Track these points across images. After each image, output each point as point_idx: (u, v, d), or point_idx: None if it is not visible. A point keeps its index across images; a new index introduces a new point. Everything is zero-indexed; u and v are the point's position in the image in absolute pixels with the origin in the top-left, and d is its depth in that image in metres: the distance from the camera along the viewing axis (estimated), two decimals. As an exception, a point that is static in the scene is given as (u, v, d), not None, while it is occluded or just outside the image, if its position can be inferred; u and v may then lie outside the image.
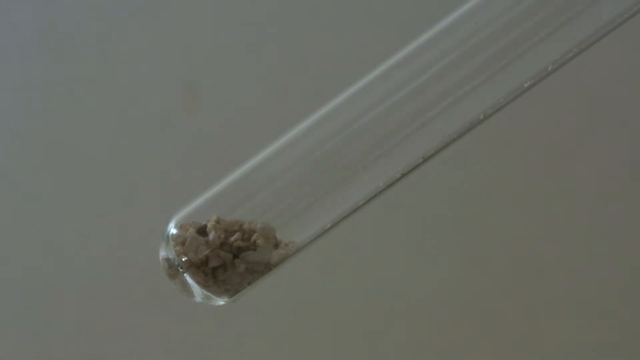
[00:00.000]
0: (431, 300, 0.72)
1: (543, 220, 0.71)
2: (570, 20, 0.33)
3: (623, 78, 0.71)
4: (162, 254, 0.35)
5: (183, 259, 0.34)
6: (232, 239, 0.34)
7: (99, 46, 0.74)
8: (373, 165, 0.34)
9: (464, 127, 0.34)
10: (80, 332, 0.73)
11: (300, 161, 0.35)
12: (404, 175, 0.35)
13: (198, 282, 0.34)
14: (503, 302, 0.71)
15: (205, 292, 0.35)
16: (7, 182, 0.74)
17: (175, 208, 0.36)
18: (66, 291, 0.73)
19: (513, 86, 0.34)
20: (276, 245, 0.35)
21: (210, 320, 0.72)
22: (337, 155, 0.35)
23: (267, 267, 0.35)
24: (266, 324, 0.72)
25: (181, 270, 0.35)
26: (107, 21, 0.74)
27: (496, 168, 0.72)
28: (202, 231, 0.34)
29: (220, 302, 0.35)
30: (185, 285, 0.35)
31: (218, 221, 0.34)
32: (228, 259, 0.34)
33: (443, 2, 0.36)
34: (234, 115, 0.73)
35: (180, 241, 0.34)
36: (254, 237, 0.34)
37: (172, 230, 0.35)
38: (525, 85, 0.34)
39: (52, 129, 0.74)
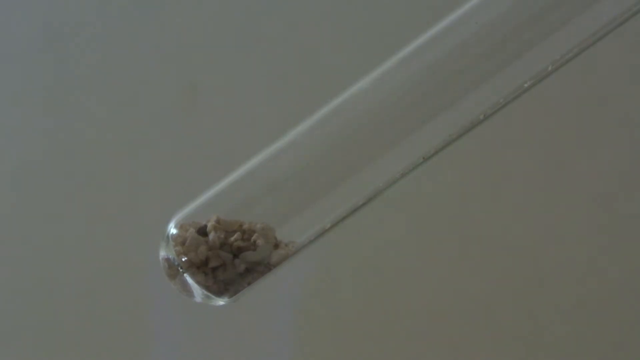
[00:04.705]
0: (431, 300, 0.72)
1: (543, 220, 0.71)
2: (571, 20, 0.33)
3: (623, 78, 0.71)
4: (162, 254, 0.35)
5: (183, 259, 0.34)
6: (232, 239, 0.34)
7: (99, 47, 0.74)
8: (373, 165, 0.35)
9: (464, 127, 0.34)
10: (80, 333, 0.73)
11: (300, 161, 0.35)
12: (404, 175, 0.35)
13: (198, 282, 0.34)
14: (503, 302, 0.71)
15: (205, 292, 0.35)
16: (8, 182, 0.74)
17: (175, 208, 0.36)
18: (66, 291, 0.73)
19: (513, 86, 0.34)
20: (276, 245, 0.35)
21: (210, 320, 0.72)
22: (337, 155, 0.35)
23: (267, 267, 0.35)
24: (266, 324, 0.72)
25: (181, 270, 0.35)
26: (108, 22, 0.74)
27: (496, 168, 0.72)
28: (202, 231, 0.34)
29: (220, 302, 0.35)
30: (185, 285, 0.35)
31: (218, 221, 0.34)
32: (228, 259, 0.34)
33: (443, 2, 0.36)
34: (234, 116, 0.73)
35: (180, 241, 0.34)
36: (254, 237, 0.34)
37: (172, 230, 0.35)
38: (525, 85, 0.34)
39: (52, 129, 0.74)
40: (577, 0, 0.33)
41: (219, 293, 0.35)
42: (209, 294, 0.35)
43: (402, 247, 0.72)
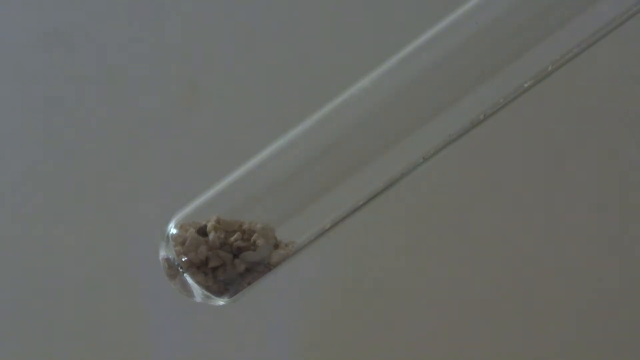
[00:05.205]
0: (432, 300, 0.72)
1: (543, 221, 0.71)
2: (571, 20, 0.33)
3: (623, 78, 0.71)
4: (162, 254, 0.35)
5: (183, 259, 0.34)
6: (232, 239, 0.34)
7: (99, 46, 0.74)
8: (373, 165, 0.34)
9: (464, 127, 0.34)
10: (80, 333, 0.73)
11: (300, 161, 0.35)
12: (404, 175, 0.35)
13: (198, 282, 0.34)
14: (503, 302, 0.71)
15: (205, 292, 0.35)
16: (7, 182, 0.74)
17: (175, 208, 0.36)
18: (66, 291, 0.73)
19: (513, 86, 0.34)
20: (276, 245, 0.35)
21: (210, 320, 0.72)
22: (337, 155, 0.35)
23: (267, 267, 0.35)
24: (266, 324, 0.72)
25: (181, 270, 0.35)
26: (107, 22, 0.74)
27: (496, 168, 0.72)
28: (202, 231, 0.34)
29: (220, 302, 0.35)
30: (185, 285, 0.35)
31: (218, 221, 0.34)
32: (228, 259, 0.34)
33: (443, 2, 0.36)
34: (234, 115, 0.73)
35: (180, 241, 0.34)
36: (254, 237, 0.34)
37: (172, 230, 0.35)
38: (525, 85, 0.34)
39: (52, 128, 0.74)
40: (577, 0, 0.33)
41: (219, 293, 0.35)
42: (209, 294, 0.35)
43: (402, 246, 0.72)
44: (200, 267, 0.34)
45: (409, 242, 0.72)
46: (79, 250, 0.73)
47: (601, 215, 0.71)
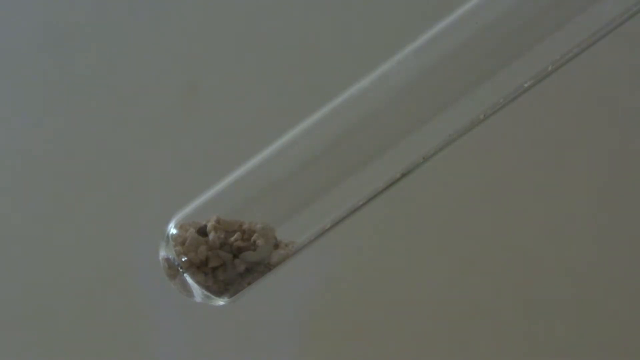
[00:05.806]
0: (432, 299, 0.72)
1: (543, 220, 0.71)
2: (570, 20, 0.33)
3: (623, 78, 0.71)
4: (162, 254, 0.35)
5: (183, 259, 0.34)
6: (232, 239, 0.34)
7: (99, 47, 0.74)
8: (373, 165, 0.34)
9: (464, 127, 0.34)
10: (79, 333, 0.73)
11: (300, 161, 0.35)
12: (404, 175, 0.35)
13: (198, 282, 0.34)
14: (503, 302, 0.71)
15: (205, 292, 0.35)
16: (7, 181, 0.74)
17: (175, 208, 0.36)
18: (66, 291, 0.73)
19: (513, 86, 0.34)
20: (276, 245, 0.35)
21: (210, 320, 0.72)
22: (337, 155, 0.35)
23: (267, 267, 0.35)
24: (267, 325, 0.72)
25: (181, 270, 0.35)
26: (108, 22, 0.74)
27: (496, 168, 0.72)
28: (202, 231, 0.34)
29: (220, 302, 0.35)
30: (185, 285, 0.35)
31: (218, 221, 0.34)
32: (228, 259, 0.34)
33: (443, 2, 0.36)
34: (234, 115, 0.73)
35: (180, 241, 0.34)
36: (254, 237, 0.34)
37: (172, 230, 0.35)
38: (525, 85, 0.34)
39: (51, 128, 0.74)
40: (577, 0, 0.33)
41: (219, 293, 0.35)
42: (209, 294, 0.35)
43: (402, 247, 0.72)
44: (200, 267, 0.34)
45: (409, 242, 0.72)
46: (79, 250, 0.73)
47: (601, 215, 0.71)
